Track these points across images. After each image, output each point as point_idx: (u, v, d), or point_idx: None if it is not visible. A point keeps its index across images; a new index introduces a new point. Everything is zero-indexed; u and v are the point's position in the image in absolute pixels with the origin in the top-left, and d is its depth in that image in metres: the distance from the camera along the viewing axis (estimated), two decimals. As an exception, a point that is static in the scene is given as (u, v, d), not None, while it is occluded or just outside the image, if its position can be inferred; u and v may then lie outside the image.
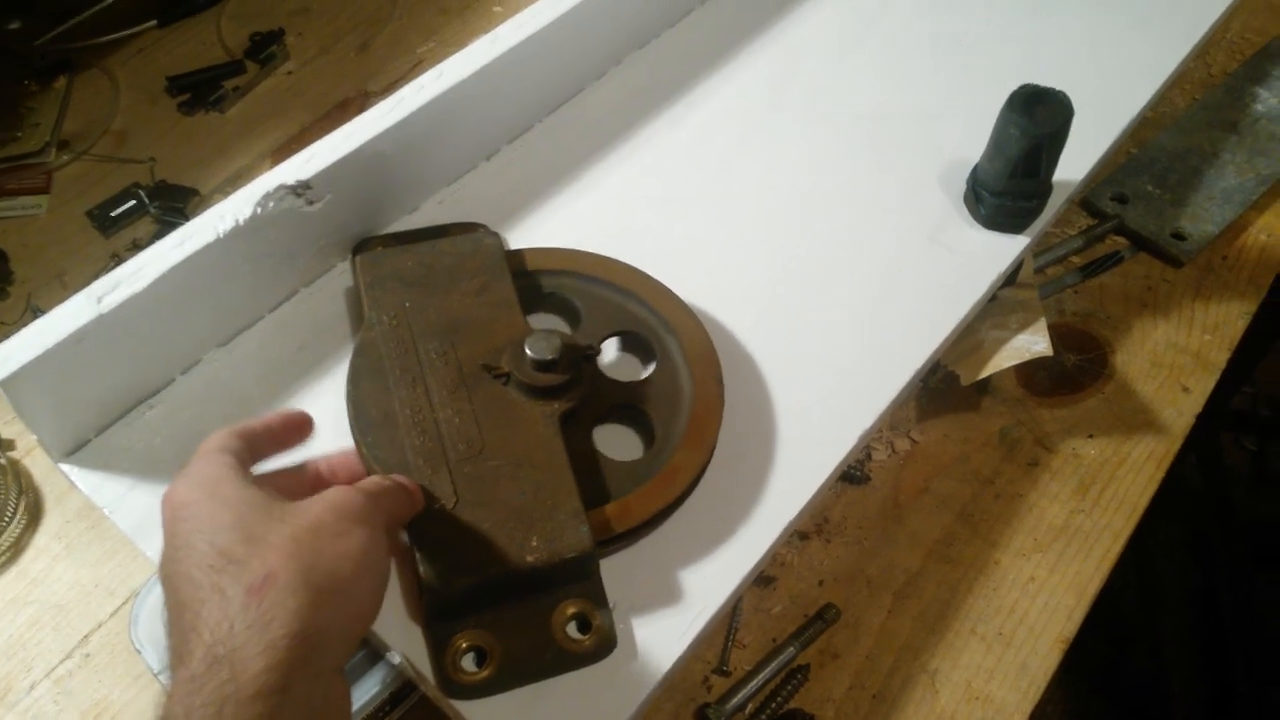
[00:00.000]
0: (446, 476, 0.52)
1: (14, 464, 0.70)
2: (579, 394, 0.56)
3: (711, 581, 0.54)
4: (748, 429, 0.60)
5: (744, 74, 0.81)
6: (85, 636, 0.63)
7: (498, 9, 1.06)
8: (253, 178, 0.61)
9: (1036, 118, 0.65)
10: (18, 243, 0.85)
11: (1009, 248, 0.70)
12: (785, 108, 0.78)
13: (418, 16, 1.05)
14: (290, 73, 1.00)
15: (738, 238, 0.70)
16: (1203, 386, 0.77)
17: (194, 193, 0.88)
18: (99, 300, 0.54)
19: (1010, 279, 0.74)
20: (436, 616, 0.50)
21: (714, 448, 0.57)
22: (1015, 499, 0.71)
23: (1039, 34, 0.84)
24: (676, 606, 0.53)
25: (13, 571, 0.66)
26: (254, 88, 0.98)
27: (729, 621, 0.64)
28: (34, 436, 0.55)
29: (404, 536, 0.51)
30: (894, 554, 0.68)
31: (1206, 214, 0.86)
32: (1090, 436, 0.74)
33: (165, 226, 0.85)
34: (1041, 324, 0.72)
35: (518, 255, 0.64)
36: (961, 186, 0.72)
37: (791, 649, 0.63)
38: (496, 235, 0.65)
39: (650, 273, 0.64)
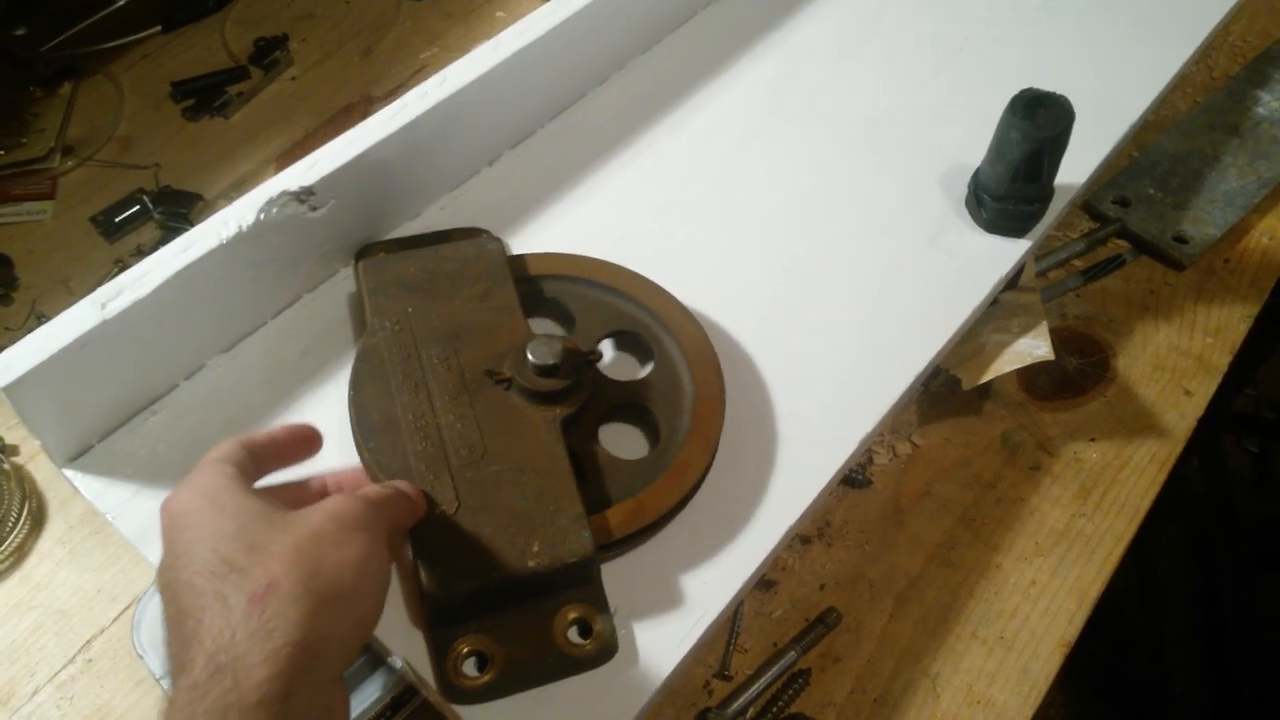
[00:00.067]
0: (448, 481, 0.52)
1: (18, 469, 0.70)
2: (580, 399, 0.56)
3: (713, 586, 0.54)
4: (749, 433, 0.60)
5: (745, 78, 0.81)
6: (88, 642, 0.63)
7: (500, 14, 1.07)
8: (257, 183, 0.61)
9: (1038, 121, 0.65)
10: (23, 248, 0.85)
11: (1010, 251, 0.70)
12: (786, 112, 0.78)
13: (421, 22, 1.06)
14: (294, 78, 1.00)
15: (739, 242, 0.70)
16: (1204, 389, 0.77)
17: (198, 198, 0.88)
18: (103, 306, 0.54)
19: (1012, 283, 0.74)
20: (438, 621, 0.50)
21: (718, 441, 0.57)
22: (1017, 503, 0.71)
23: (1040, 37, 0.84)
24: (678, 611, 0.53)
25: (16, 576, 0.66)
26: (258, 93, 0.98)
27: (730, 626, 0.64)
28: (38, 442, 0.55)
29: (406, 541, 0.51)
30: (895, 558, 0.68)
31: (1208, 217, 0.86)
32: (1092, 440, 0.74)
33: (169, 232, 0.85)
34: (1043, 328, 0.72)
35: (520, 260, 0.64)
36: (963, 190, 0.72)
37: (793, 653, 0.63)
38: (499, 241, 0.65)
39: (652, 277, 0.64)
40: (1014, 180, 0.67)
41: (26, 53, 1.00)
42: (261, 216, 0.59)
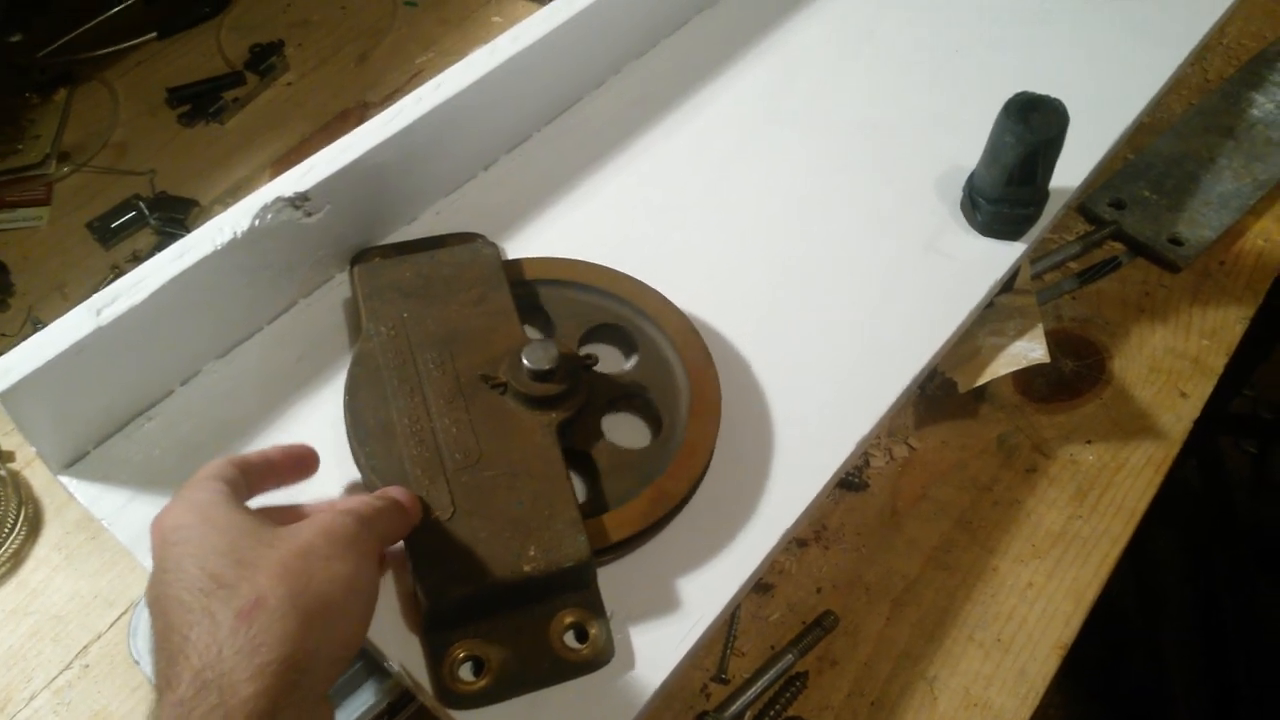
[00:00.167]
0: (444, 486, 0.52)
1: (14, 475, 0.70)
2: (576, 403, 0.56)
3: (709, 589, 0.54)
4: (745, 436, 0.60)
5: (741, 83, 0.81)
6: (84, 647, 0.63)
7: (496, 19, 1.07)
8: (253, 189, 0.61)
9: (1032, 125, 0.65)
10: (18, 254, 0.85)
11: (1006, 254, 0.70)
12: (782, 116, 0.78)
13: (417, 27, 1.06)
14: (290, 84, 1.00)
15: (735, 246, 0.70)
16: (1201, 391, 0.77)
17: (194, 204, 0.88)
18: (99, 313, 0.54)
19: (1008, 285, 0.74)
20: (434, 626, 0.50)
21: (720, 413, 0.58)
22: (1013, 505, 0.71)
23: (1035, 41, 0.84)
24: (674, 615, 0.53)
25: (12, 582, 0.66)
26: (254, 99, 0.98)
27: (727, 629, 0.64)
28: (34, 448, 0.55)
29: (401, 547, 0.51)
30: (892, 561, 0.68)
31: (1203, 219, 0.87)
32: (1088, 442, 0.74)
33: (165, 238, 0.85)
34: (1039, 330, 0.72)
35: (516, 265, 0.64)
36: (958, 194, 0.72)
37: (790, 656, 0.63)
38: (494, 245, 0.65)
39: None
40: (1009, 184, 0.67)
41: (22, 59, 1.00)
42: (257, 222, 0.59)
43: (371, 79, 1.00)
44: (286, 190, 0.60)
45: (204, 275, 0.58)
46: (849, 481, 0.72)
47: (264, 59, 1.00)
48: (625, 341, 0.64)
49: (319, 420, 0.59)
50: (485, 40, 0.70)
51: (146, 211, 0.87)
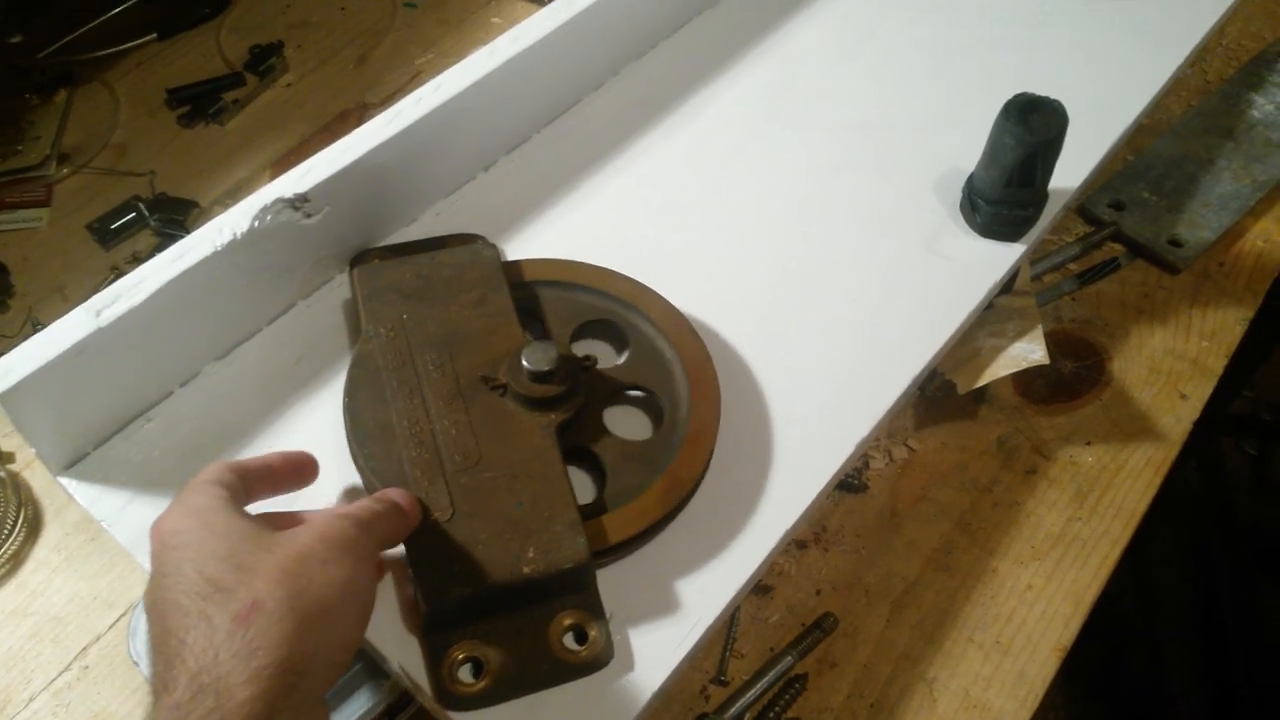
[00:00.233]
0: (443, 488, 0.52)
1: (13, 477, 0.70)
2: (575, 405, 0.56)
3: (709, 591, 0.54)
4: (745, 437, 0.60)
5: (740, 84, 0.81)
6: (84, 649, 0.63)
7: (496, 20, 1.07)
8: (253, 190, 0.61)
9: (1031, 126, 0.65)
10: (18, 255, 0.85)
11: (1005, 256, 0.70)
12: (782, 117, 0.78)
13: (416, 28, 1.06)
14: (289, 85, 1.00)
15: (735, 247, 0.70)
16: (1200, 393, 0.77)
17: (194, 205, 0.88)
18: (98, 314, 0.54)
19: (1007, 287, 0.74)
20: (433, 627, 0.50)
21: (720, 402, 0.58)
22: (1013, 507, 0.71)
23: (1034, 42, 0.84)
24: (673, 617, 0.53)
25: (12, 584, 0.66)
26: (253, 100, 0.98)
27: (726, 631, 0.64)
28: (33, 450, 0.55)
29: (400, 549, 0.51)
30: (892, 562, 0.68)
31: (1203, 220, 0.87)
32: (1088, 444, 0.74)
33: (165, 239, 0.86)
34: (1038, 332, 0.72)
35: (515, 266, 0.64)
36: (958, 195, 0.72)
37: (789, 658, 0.63)
38: (494, 247, 0.65)
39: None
40: (1008, 185, 0.67)
41: (22, 60, 1.00)
42: (256, 223, 0.59)
43: (371, 80, 1.00)
44: (286, 191, 0.60)
45: (203, 276, 0.58)
46: (848, 483, 0.72)
47: (263, 60, 1.00)
48: (616, 336, 0.64)
49: (318, 421, 0.59)
50: (484, 41, 0.70)
51: (146, 213, 0.87)
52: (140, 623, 0.58)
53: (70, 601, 0.65)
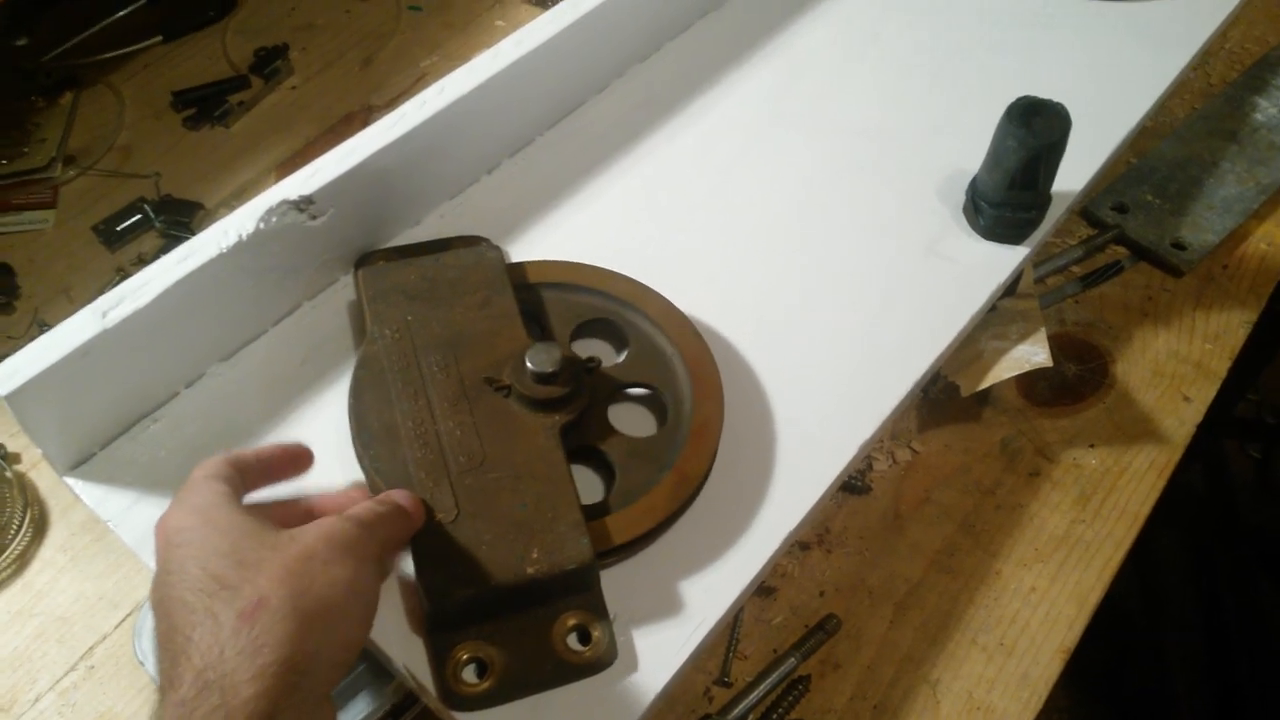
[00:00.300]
0: (448, 489, 0.52)
1: (20, 477, 0.70)
2: (579, 406, 0.56)
3: (712, 592, 0.54)
4: (748, 439, 0.60)
5: (744, 87, 0.81)
6: (90, 649, 0.63)
7: (500, 23, 1.07)
8: (258, 192, 0.61)
9: (1034, 129, 0.65)
10: (24, 257, 0.86)
11: (1008, 258, 0.70)
12: (785, 120, 0.79)
13: (421, 31, 1.06)
14: (294, 87, 1.00)
15: (738, 249, 0.70)
16: (1204, 395, 0.77)
17: (199, 207, 0.88)
18: (104, 315, 0.54)
19: (1010, 289, 0.74)
20: (437, 628, 0.50)
21: (723, 395, 0.58)
22: (1016, 509, 0.71)
23: (1038, 45, 0.85)
24: (677, 618, 0.53)
25: (18, 584, 0.66)
26: (258, 102, 0.98)
27: (730, 632, 0.64)
28: (39, 450, 0.55)
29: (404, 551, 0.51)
30: (895, 564, 0.68)
31: (1207, 223, 0.87)
32: (1091, 446, 0.74)
33: (170, 241, 0.86)
34: (1041, 334, 0.72)
35: (519, 268, 0.65)
36: (961, 198, 0.72)
37: (792, 660, 0.63)
38: (498, 249, 0.65)
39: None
40: (1011, 187, 0.67)
41: (28, 63, 1.01)
42: (262, 225, 0.59)
43: (376, 83, 1.00)
44: (291, 193, 0.60)
45: (209, 278, 0.58)
46: (852, 485, 0.72)
47: (269, 63, 1.01)
48: (615, 335, 0.64)
49: (323, 422, 0.60)
50: (489, 44, 0.70)
51: (152, 214, 0.87)
52: (146, 622, 0.58)
53: (76, 601, 0.65)
